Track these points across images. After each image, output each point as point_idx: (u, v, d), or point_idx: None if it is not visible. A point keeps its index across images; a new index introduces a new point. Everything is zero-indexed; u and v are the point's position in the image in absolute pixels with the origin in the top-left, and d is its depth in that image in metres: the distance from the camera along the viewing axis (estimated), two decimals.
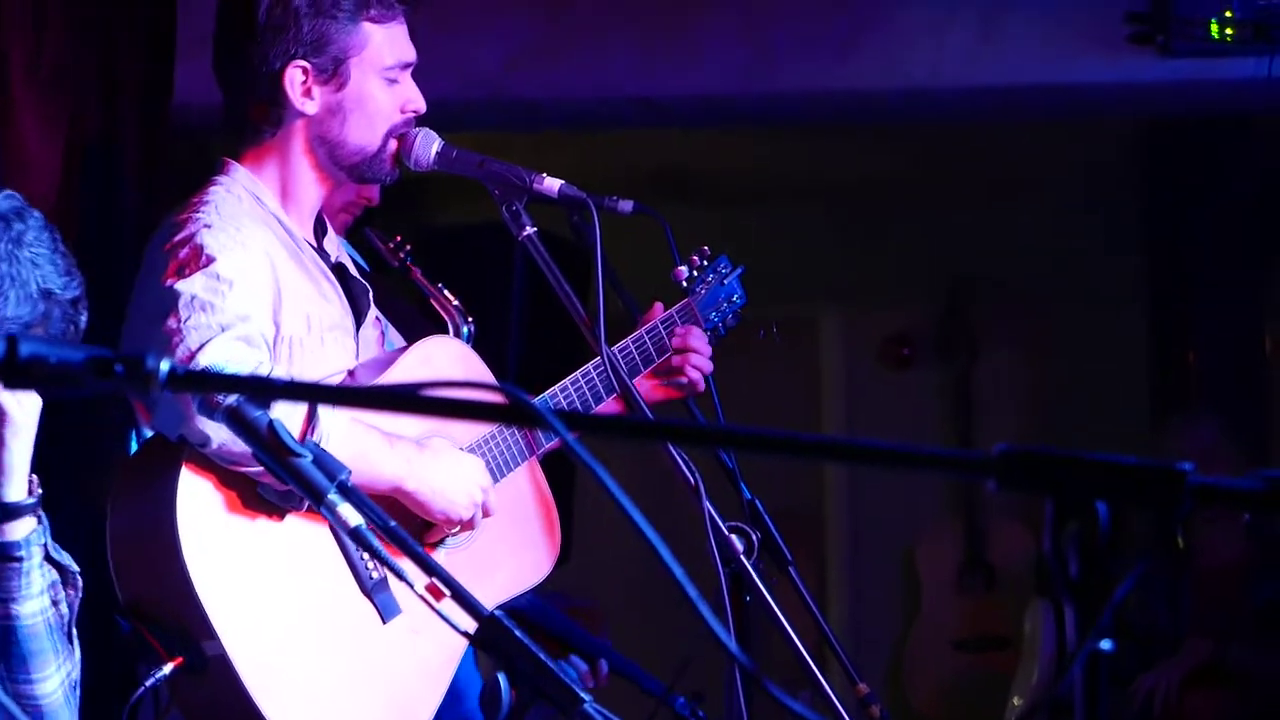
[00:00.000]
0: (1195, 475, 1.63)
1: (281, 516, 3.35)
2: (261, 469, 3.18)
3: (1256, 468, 1.70)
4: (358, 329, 3.60)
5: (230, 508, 3.31)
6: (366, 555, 3.37)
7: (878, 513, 8.83)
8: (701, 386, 3.78)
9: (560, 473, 3.92)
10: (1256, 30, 5.79)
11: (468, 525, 3.52)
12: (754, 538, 3.58)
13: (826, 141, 7.69)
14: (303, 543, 3.37)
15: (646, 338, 3.76)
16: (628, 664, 4.66)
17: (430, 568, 2.38)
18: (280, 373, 3.36)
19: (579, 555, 4.84)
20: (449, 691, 3.54)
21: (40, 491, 2.85)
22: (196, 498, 3.28)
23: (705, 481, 3.55)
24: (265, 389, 2.26)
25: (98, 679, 3.19)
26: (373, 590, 3.41)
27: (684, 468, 3.56)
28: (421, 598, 2.39)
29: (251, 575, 3.32)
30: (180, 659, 3.24)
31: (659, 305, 3.82)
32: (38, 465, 2.89)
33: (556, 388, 3.64)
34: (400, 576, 2.43)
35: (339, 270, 3.63)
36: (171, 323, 3.28)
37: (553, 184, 3.55)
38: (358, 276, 3.70)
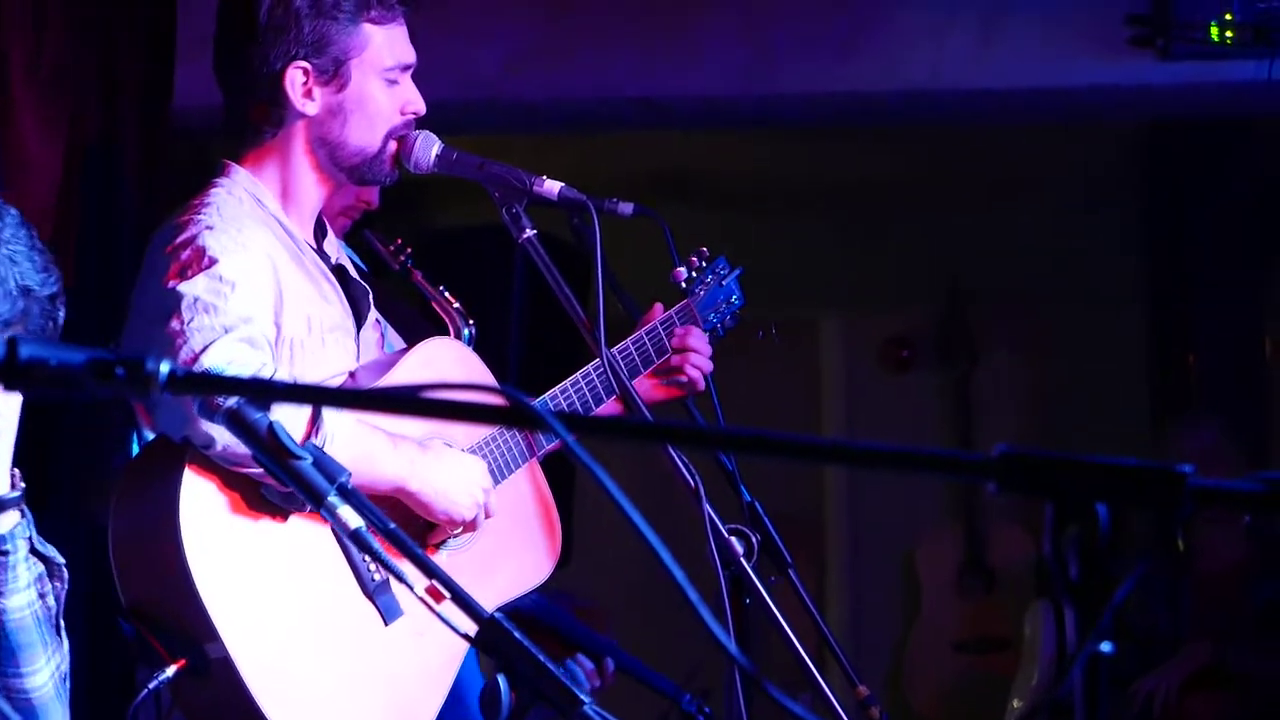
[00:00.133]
0: (1195, 477, 1.63)
1: (284, 518, 3.35)
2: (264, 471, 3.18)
3: (1257, 469, 1.70)
4: (358, 331, 3.60)
5: (233, 509, 3.31)
6: (367, 557, 3.36)
7: (878, 515, 8.81)
8: (701, 385, 3.78)
9: (560, 474, 3.92)
10: (1256, 33, 5.79)
11: (470, 526, 3.52)
12: (754, 540, 3.58)
13: (826, 143, 7.68)
14: (306, 544, 3.36)
15: (646, 339, 3.76)
16: (634, 663, 4.66)
17: (430, 570, 2.38)
18: (282, 374, 3.35)
19: (579, 557, 4.84)
20: (451, 693, 3.54)
21: (24, 485, 2.84)
22: (199, 499, 3.28)
23: (705, 484, 3.55)
24: (266, 391, 2.26)
25: (98, 679, 3.19)
26: (375, 592, 3.41)
27: (684, 470, 3.55)
28: (421, 600, 2.39)
29: (254, 577, 3.31)
30: (183, 661, 3.24)
31: (658, 307, 3.82)
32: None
33: (556, 389, 3.64)
34: (400, 579, 2.42)
35: (339, 272, 3.63)
36: (174, 324, 3.28)
37: (553, 186, 3.55)
38: (358, 279, 3.70)
